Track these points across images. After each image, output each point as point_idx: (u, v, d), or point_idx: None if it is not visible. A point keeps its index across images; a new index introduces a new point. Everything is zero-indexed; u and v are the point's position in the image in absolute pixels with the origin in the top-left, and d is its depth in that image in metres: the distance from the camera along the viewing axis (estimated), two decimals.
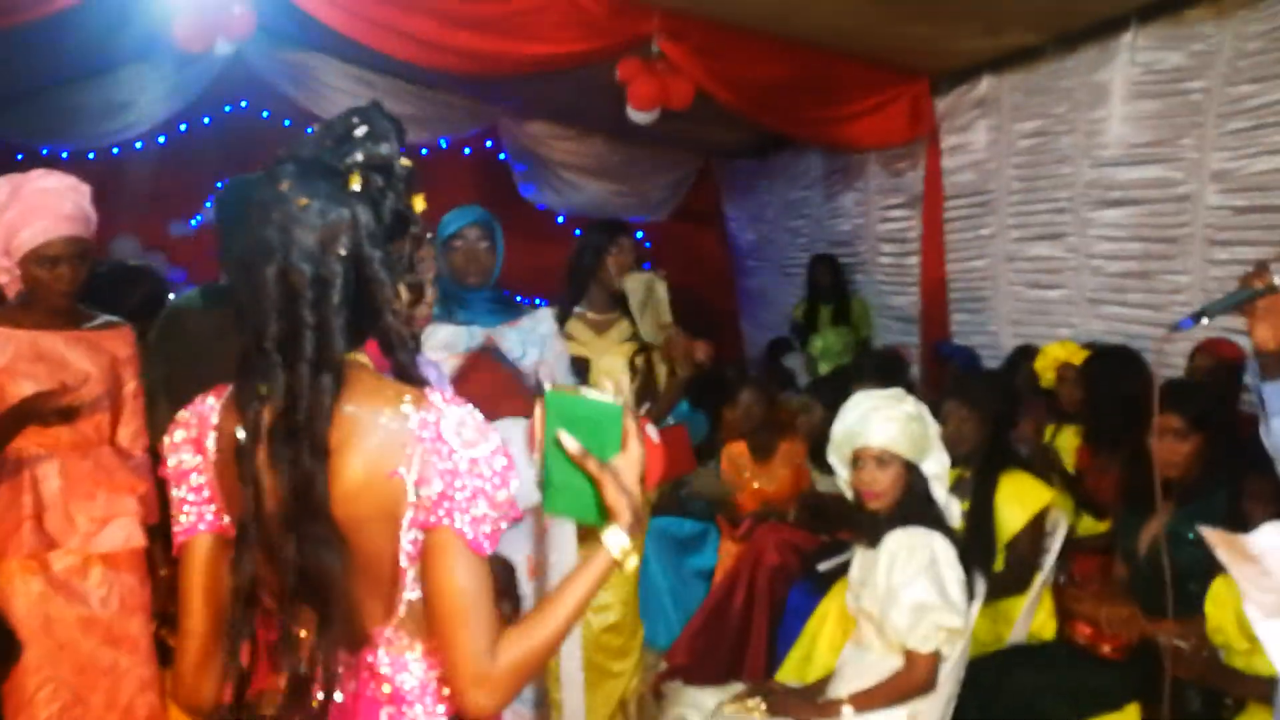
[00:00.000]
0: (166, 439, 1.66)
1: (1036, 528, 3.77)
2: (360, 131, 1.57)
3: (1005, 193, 5.65)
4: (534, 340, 3.40)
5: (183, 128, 7.50)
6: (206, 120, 7.57)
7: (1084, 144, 5.07)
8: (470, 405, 1.53)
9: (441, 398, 1.52)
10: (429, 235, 1.63)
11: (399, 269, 1.57)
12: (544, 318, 3.49)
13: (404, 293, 1.59)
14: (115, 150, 7.23)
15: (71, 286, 3.01)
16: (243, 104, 7.59)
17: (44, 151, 6.80)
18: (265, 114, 7.63)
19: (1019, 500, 3.74)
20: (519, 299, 3.75)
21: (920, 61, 5.70)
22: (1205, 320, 2.10)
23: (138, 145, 7.32)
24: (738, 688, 3.24)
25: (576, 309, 4.08)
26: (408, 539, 1.50)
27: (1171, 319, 4.51)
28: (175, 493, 1.63)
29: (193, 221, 7.68)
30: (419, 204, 1.60)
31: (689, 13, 5.32)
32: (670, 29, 5.29)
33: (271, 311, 1.49)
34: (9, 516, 2.98)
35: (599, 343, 4.04)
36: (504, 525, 1.51)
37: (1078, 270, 5.21)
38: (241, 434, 1.52)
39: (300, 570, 1.50)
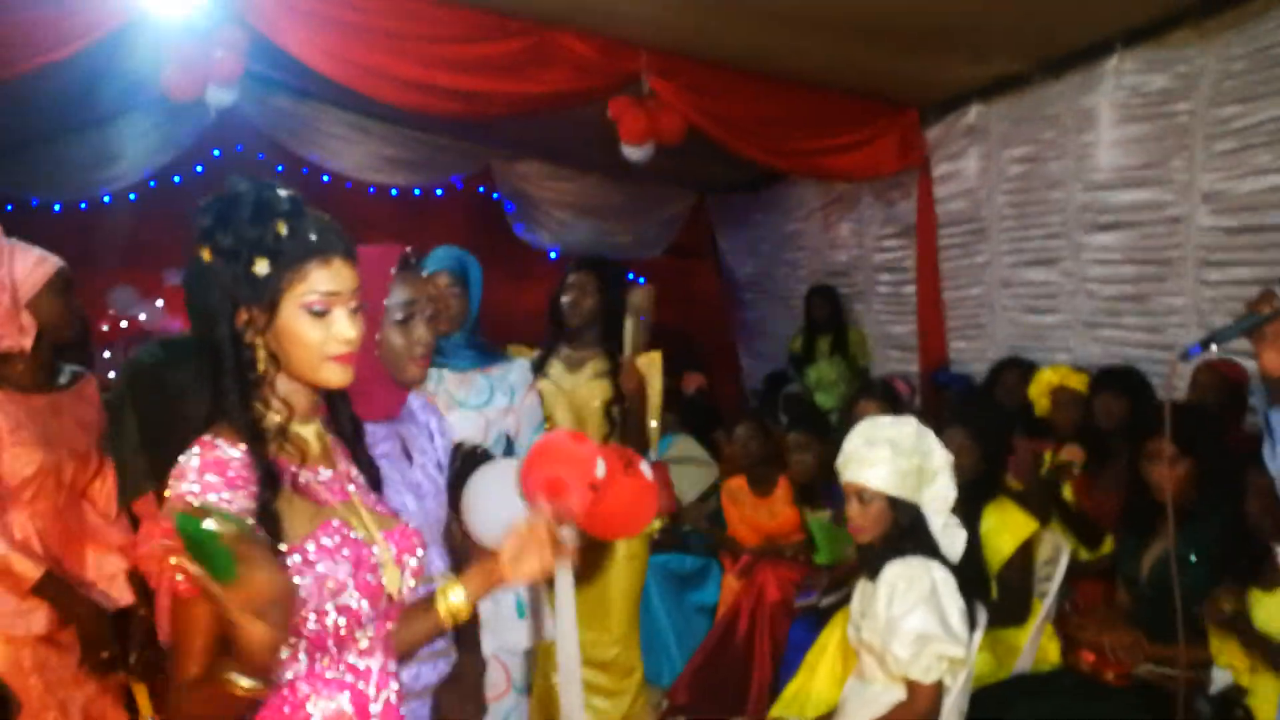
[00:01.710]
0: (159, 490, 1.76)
1: (1025, 557, 3.73)
2: (205, 203, 1.66)
3: (998, 219, 5.66)
4: (503, 388, 3.36)
5: (176, 177, 7.52)
6: (199, 168, 7.59)
7: (1074, 169, 5.08)
8: (220, 448, 1.62)
9: (198, 446, 1.62)
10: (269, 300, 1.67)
11: (245, 333, 1.66)
12: (518, 368, 3.46)
13: (261, 354, 1.67)
14: (107, 199, 7.25)
15: (77, 319, 3.02)
16: (236, 149, 7.62)
17: (34, 203, 6.81)
18: (260, 157, 7.66)
19: (1005, 530, 3.71)
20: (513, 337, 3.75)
21: (909, 92, 5.72)
22: (1214, 348, 2.11)
23: (130, 195, 7.34)
24: None
25: (562, 349, 4.12)
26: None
27: (1167, 340, 4.55)
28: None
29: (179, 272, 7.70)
30: (261, 268, 1.63)
31: (677, 51, 5.34)
32: (659, 67, 5.32)
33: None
34: (14, 587, 2.93)
35: (570, 378, 4.06)
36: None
37: (1073, 294, 5.21)
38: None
39: None
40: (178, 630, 1.54)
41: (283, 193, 1.67)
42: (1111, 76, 4.77)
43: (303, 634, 1.62)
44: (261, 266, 1.63)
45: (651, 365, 4.12)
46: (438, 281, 3.35)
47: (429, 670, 2.33)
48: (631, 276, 8.69)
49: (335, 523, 1.68)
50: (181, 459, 1.61)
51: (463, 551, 2.55)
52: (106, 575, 3.09)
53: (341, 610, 1.63)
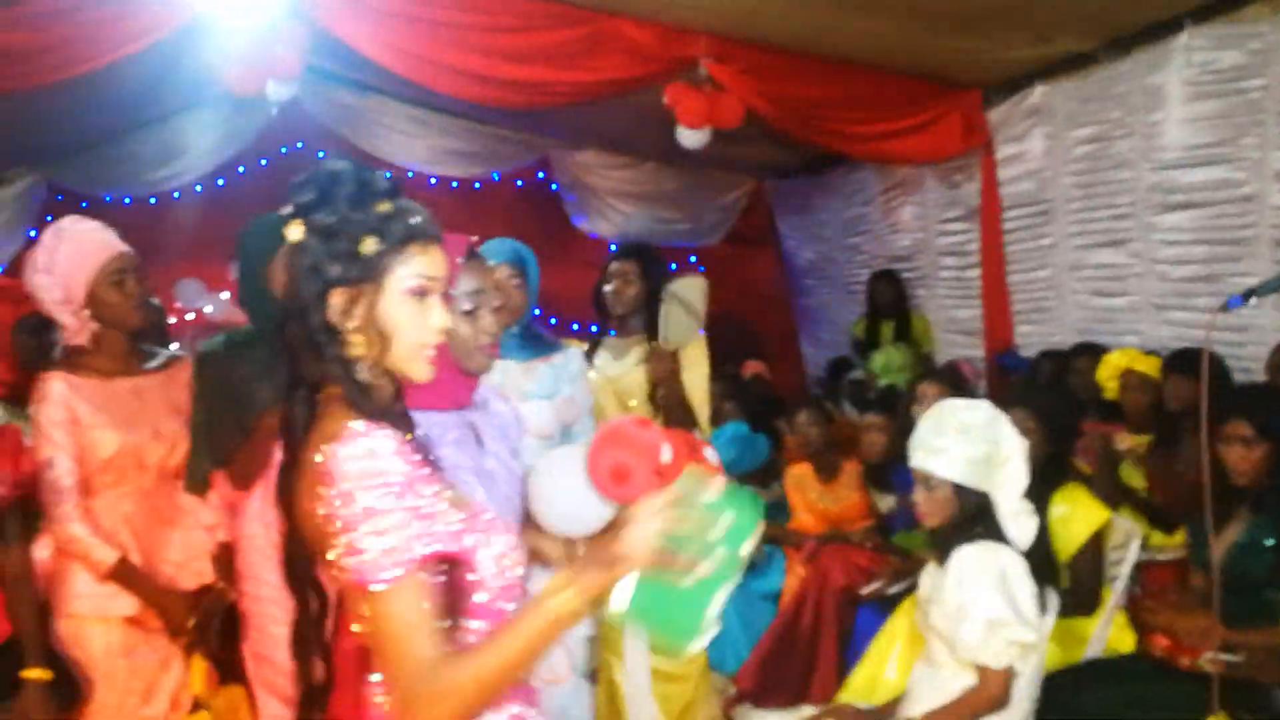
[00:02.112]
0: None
1: (1096, 547, 3.68)
2: (296, 182, 1.64)
3: (1064, 201, 5.57)
4: (565, 376, 3.40)
5: (240, 170, 7.62)
6: (263, 162, 7.68)
7: (1143, 148, 4.99)
8: (382, 436, 1.53)
9: (364, 426, 1.53)
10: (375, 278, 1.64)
11: (340, 314, 1.61)
12: (575, 356, 3.49)
13: (356, 339, 1.62)
14: (175, 195, 7.36)
15: (142, 303, 3.04)
16: (299, 145, 7.70)
17: (107, 199, 6.94)
18: (321, 155, 7.74)
19: (1077, 518, 3.65)
20: (574, 325, 3.77)
21: (970, 74, 5.65)
22: (1254, 300, 2.06)
23: (197, 189, 7.45)
24: (807, 711, 3.21)
25: (609, 336, 4.18)
26: (331, 580, 1.59)
27: (1241, 322, 4.46)
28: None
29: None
30: (369, 247, 1.60)
31: (735, 35, 5.31)
32: (717, 52, 5.29)
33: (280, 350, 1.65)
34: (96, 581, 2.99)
35: (616, 366, 4.10)
36: (405, 555, 1.47)
37: (1143, 276, 5.12)
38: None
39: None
40: (396, 621, 1.48)
41: (381, 174, 1.66)
42: (1181, 53, 4.68)
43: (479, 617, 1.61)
44: (370, 245, 1.60)
45: (695, 353, 4.11)
46: (498, 274, 3.36)
47: None
48: (694, 261, 8.72)
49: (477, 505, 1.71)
50: (356, 450, 1.51)
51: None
52: (192, 555, 3.14)
53: (507, 588, 1.65)
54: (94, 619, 3.01)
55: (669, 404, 3.99)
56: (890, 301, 7.04)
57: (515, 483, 2.33)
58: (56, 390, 2.94)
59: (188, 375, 3.18)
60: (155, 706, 3.08)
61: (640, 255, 4.17)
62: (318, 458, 1.52)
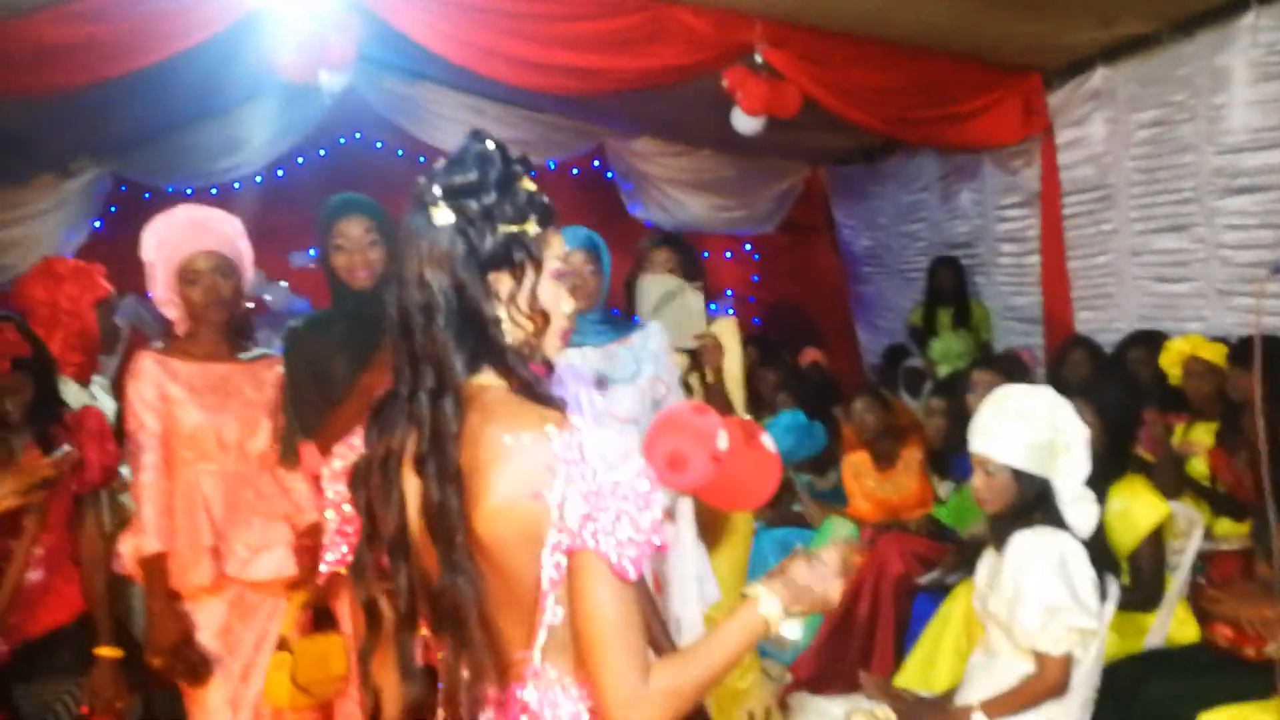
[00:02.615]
0: (325, 469, 1.73)
1: (1157, 542, 3.63)
2: (441, 164, 1.60)
3: (1126, 185, 5.49)
4: (646, 356, 3.37)
5: (299, 160, 7.71)
6: (321, 152, 7.77)
7: (1207, 131, 4.91)
8: (613, 428, 1.55)
9: (585, 419, 1.52)
10: (546, 259, 1.62)
11: (504, 296, 1.58)
12: (654, 333, 3.45)
13: (521, 320, 1.59)
14: (236, 185, 7.46)
15: (220, 299, 3.13)
16: (356, 135, 7.77)
17: (169, 190, 7.05)
18: (379, 145, 7.81)
19: (1136, 514, 3.60)
20: (633, 318, 3.76)
21: (1030, 57, 5.58)
22: None
23: (256, 179, 7.56)
24: (863, 698, 3.19)
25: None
26: (550, 562, 1.48)
27: None
28: (328, 519, 1.72)
29: (311, 251, 7.88)
30: (530, 228, 1.58)
31: (790, 20, 5.28)
32: (773, 37, 5.26)
33: (398, 339, 1.57)
34: (190, 545, 3.09)
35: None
36: (649, 549, 1.47)
37: (1206, 261, 5.03)
38: (365, 471, 1.60)
39: (438, 597, 1.53)
40: (627, 611, 1.46)
41: (515, 152, 1.62)
42: (1247, 34, 4.59)
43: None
44: (533, 226, 1.58)
45: (727, 337, 4.10)
46: (573, 260, 3.37)
47: None
48: (749, 249, 8.70)
49: None
50: (576, 438, 1.49)
51: None
52: (271, 542, 3.19)
53: None
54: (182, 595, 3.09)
55: (708, 389, 3.97)
56: (951, 288, 6.97)
57: None
58: (147, 368, 3.10)
59: (270, 371, 3.26)
60: (251, 686, 3.15)
61: (675, 244, 4.16)
62: (526, 441, 1.48)
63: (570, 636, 1.51)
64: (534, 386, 1.57)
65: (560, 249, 1.64)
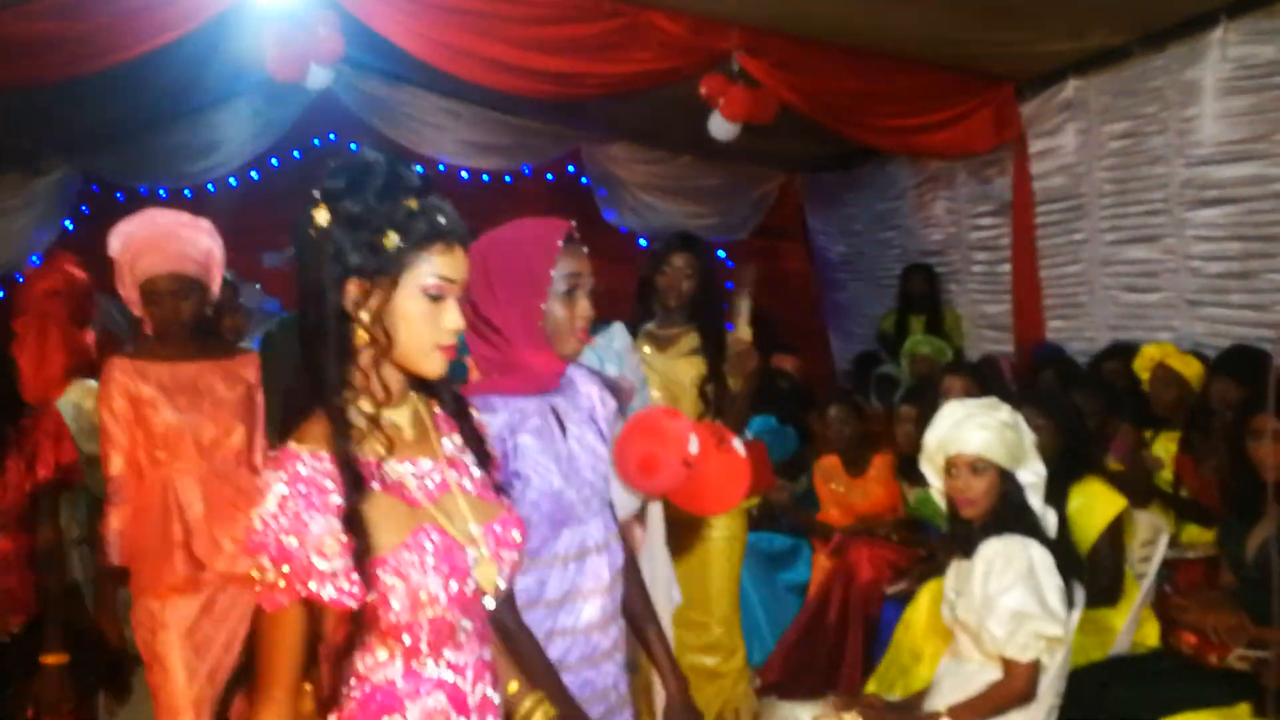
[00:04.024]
0: None
1: (1114, 535, 3.68)
2: (330, 167, 1.64)
3: (1097, 196, 5.54)
4: (610, 356, 3.38)
5: (274, 162, 7.67)
6: (297, 154, 7.73)
7: (1177, 143, 4.95)
8: (281, 478, 1.57)
9: (294, 445, 1.60)
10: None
11: (353, 306, 1.61)
12: (617, 333, 3.46)
13: (360, 332, 1.62)
14: (210, 186, 7.42)
15: (176, 320, 3.12)
16: (331, 136, 7.74)
17: (143, 190, 7.00)
18: (354, 146, 7.77)
19: (1093, 510, 3.66)
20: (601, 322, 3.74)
21: (1003, 67, 5.62)
22: None
23: (231, 181, 7.51)
24: (832, 702, 3.20)
25: (645, 325, 4.09)
26: None
27: (1275, 318, 4.41)
28: None
29: (285, 253, 7.85)
30: (390, 241, 1.60)
31: (767, 28, 5.30)
32: (749, 45, 5.28)
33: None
34: (162, 546, 3.09)
35: (661, 357, 4.02)
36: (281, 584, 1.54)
37: (1176, 272, 5.08)
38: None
39: None
40: (266, 646, 1.57)
41: (414, 170, 1.65)
42: (1216, 48, 4.64)
43: (399, 640, 1.61)
44: (392, 240, 1.60)
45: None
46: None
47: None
48: (722, 256, 8.71)
49: (428, 527, 1.63)
50: (268, 478, 1.60)
51: None
52: None
53: (435, 620, 1.61)
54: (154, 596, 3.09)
55: (726, 397, 3.97)
56: (923, 295, 7.01)
57: (601, 465, 2.32)
58: (115, 376, 3.12)
59: (242, 370, 3.26)
60: (219, 687, 3.13)
61: (695, 247, 4.12)
62: None
63: None
64: (326, 396, 1.62)
65: (445, 268, 1.64)
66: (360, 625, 1.60)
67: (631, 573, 2.41)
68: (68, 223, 7.17)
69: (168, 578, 3.09)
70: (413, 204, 1.61)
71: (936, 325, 6.89)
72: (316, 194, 1.61)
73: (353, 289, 1.61)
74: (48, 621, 3.07)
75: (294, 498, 1.54)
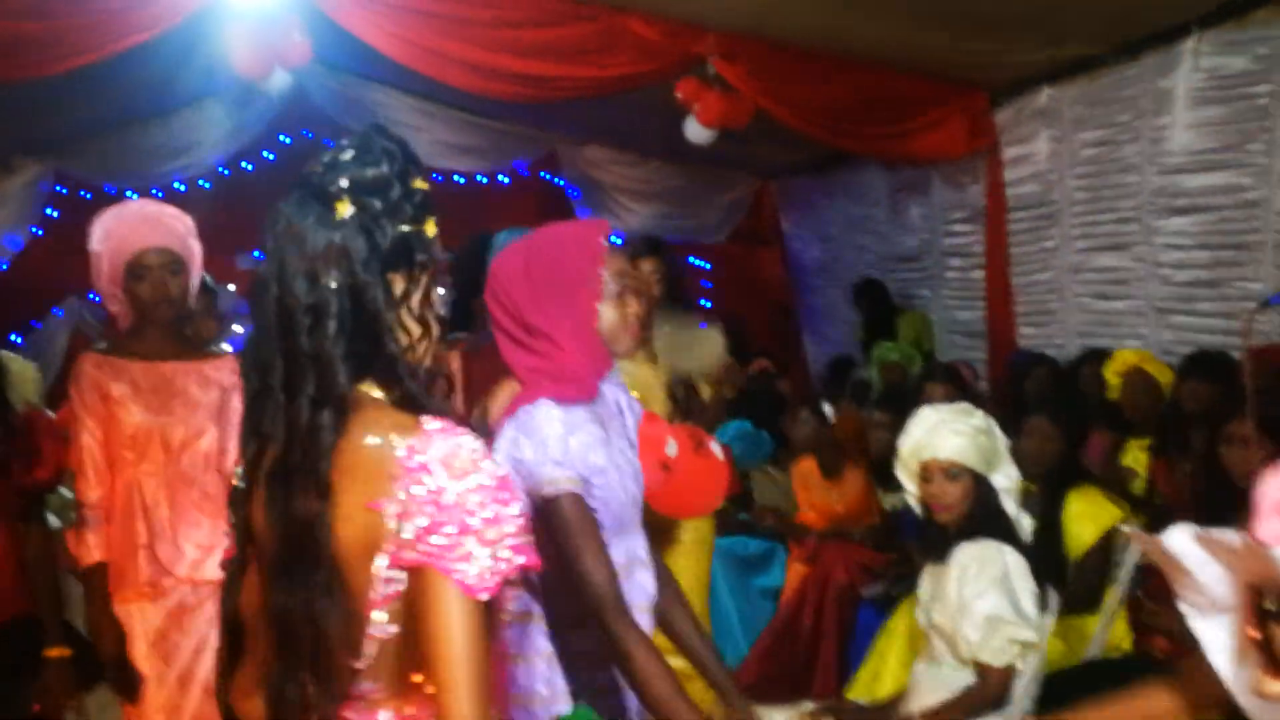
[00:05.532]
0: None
1: (1105, 545, 3.70)
2: (347, 155, 1.48)
3: (1069, 204, 5.58)
4: None
5: (245, 163, 7.63)
6: (270, 155, 7.70)
7: (1149, 152, 5.00)
8: (468, 434, 1.40)
9: (440, 425, 1.40)
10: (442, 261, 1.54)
11: (401, 299, 1.48)
12: None
13: (410, 324, 1.49)
14: (182, 187, 7.37)
15: (168, 298, 3.07)
16: (305, 135, 7.71)
17: (109, 190, 6.95)
18: (328, 144, 7.74)
19: (1089, 517, 3.68)
20: None
21: (978, 75, 5.66)
22: None
23: (202, 181, 7.46)
24: (807, 706, 3.20)
25: None
26: (381, 579, 1.39)
27: (1256, 326, 4.44)
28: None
29: (256, 253, 7.81)
30: (430, 229, 1.50)
31: (743, 33, 5.32)
32: (724, 49, 5.30)
33: (273, 342, 1.43)
34: (124, 545, 3.04)
35: (629, 360, 4.00)
36: (505, 565, 1.36)
37: (1145, 280, 5.13)
38: (238, 477, 1.50)
39: (288, 619, 1.41)
40: (472, 636, 1.36)
41: (410, 150, 1.51)
42: (1189, 58, 4.69)
43: None
44: (433, 226, 1.49)
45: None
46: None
47: None
48: (694, 260, 8.73)
49: None
50: (448, 447, 1.38)
51: None
52: (221, 541, 3.14)
53: None
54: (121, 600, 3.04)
55: (707, 401, 3.96)
56: (872, 312, 7.13)
57: (637, 475, 2.28)
58: (87, 371, 3.04)
59: (216, 372, 3.22)
60: (190, 694, 3.10)
61: (663, 252, 4.11)
62: (370, 449, 1.39)
63: (398, 655, 1.42)
64: (416, 397, 1.45)
65: (440, 247, 1.54)
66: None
67: (674, 589, 2.36)
68: (36, 227, 7.10)
69: (131, 581, 3.05)
70: (425, 186, 1.52)
71: (892, 335, 6.92)
72: (340, 185, 1.45)
73: (397, 284, 1.47)
74: (46, 616, 3.05)
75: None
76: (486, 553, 1.35)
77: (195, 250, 3.19)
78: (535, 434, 2.04)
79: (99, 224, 3.06)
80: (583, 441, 2.04)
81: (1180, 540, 1.62)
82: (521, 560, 1.38)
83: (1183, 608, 1.66)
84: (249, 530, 1.49)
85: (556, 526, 1.99)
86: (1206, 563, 1.59)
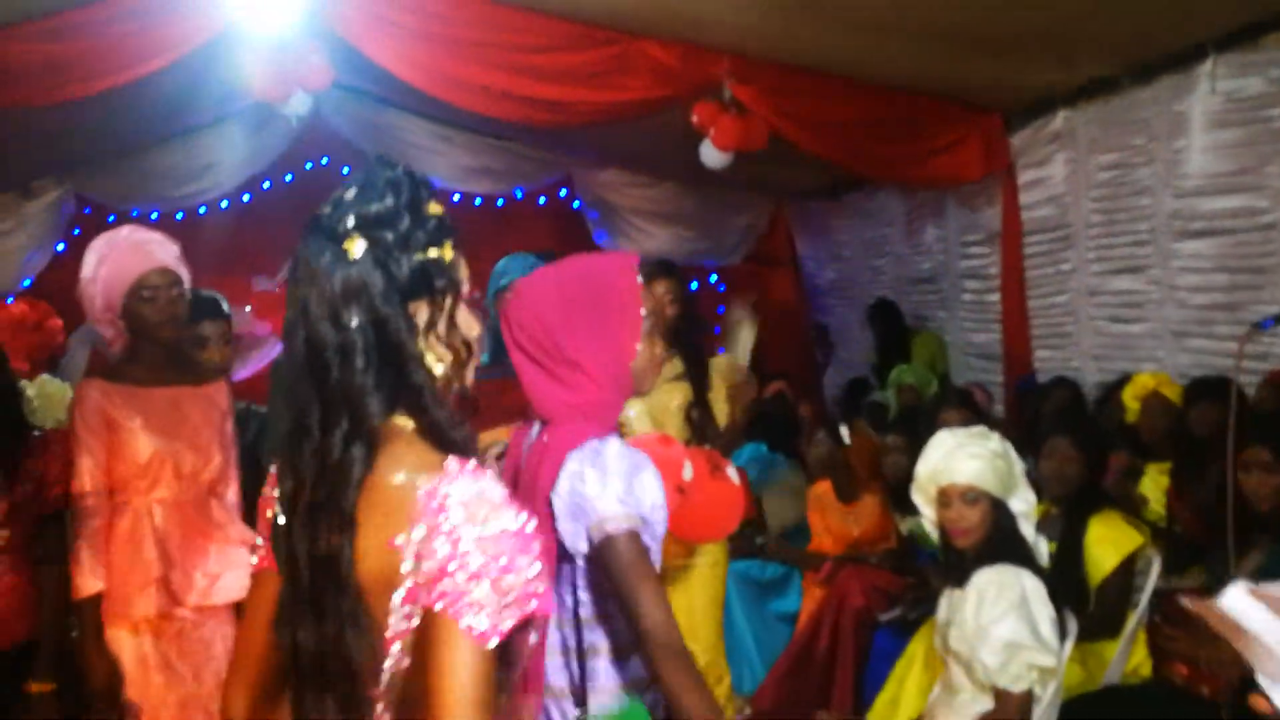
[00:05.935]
0: (266, 490, 1.61)
1: (1127, 570, 3.68)
2: (350, 194, 1.48)
3: (1085, 226, 5.58)
4: None
5: (266, 185, 7.69)
6: (288, 178, 7.75)
7: (1164, 175, 5.00)
8: (491, 478, 1.39)
9: (463, 467, 1.40)
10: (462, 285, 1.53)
11: (428, 328, 1.48)
12: None
13: (441, 351, 1.49)
14: (201, 210, 7.42)
15: (174, 317, 3.08)
16: (323, 161, 7.76)
17: (134, 213, 7.00)
18: (346, 171, 7.79)
19: (1110, 542, 3.65)
20: None
21: (993, 97, 5.67)
22: None
23: (223, 204, 7.51)
24: None
25: None
26: (399, 614, 1.39)
27: (1261, 350, 4.45)
28: (260, 540, 1.60)
29: (276, 277, 7.84)
30: (448, 253, 1.49)
31: (758, 56, 5.34)
32: (740, 73, 5.32)
33: (305, 380, 1.44)
34: (135, 574, 3.01)
35: None
36: (518, 613, 1.36)
37: (1161, 303, 5.11)
38: (277, 513, 1.49)
39: (317, 651, 1.43)
40: (479, 684, 1.34)
41: (420, 175, 1.52)
42: (1205, 81, 4.68)
43: None
44: (450, 250, 1.48)
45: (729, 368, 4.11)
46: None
47: None
48: (714, 280, 8.74)
49: None
50: (466, 489, 1.38)
51: None
52: (229, 567, 3.13)
53: None
54: (121, 627, 3.03)
55: (709, 423, 3.96)
56: (885, 335, 7.12)
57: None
58: (92, 396, 3.02)
59: (221, 395, 3.23)
60: (190, 716, 3.09)
61: (677, 274, 4.11)
62: (395, 487, 1.40)
63: (406, 684, 1.41)
64: (443, 428, 1.45)
65: (465, 269, 1.53)
66: None
67: None
68: (60, 245, 7.15)
69: (141, 609, 3.03)
70: (439, 210, 1.51)
71: (906, 357, 6.91)
72: (347, 224, 1.45)
73: (421, 312, 1.47)
74: (44, 646, 3.05)
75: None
76: (498, 600, 1.34)
77: (185, 274, 3.19)
78: (604, 469, 2.01)
79: (93, 251, 3.05)
80: (645, 482, 2.03)
81: (1239, 601, 1.50)
82: (529, 606, 1.37)
83: (1262, 681, 1.52)
84: (295, 567, 1.47)
85: (613, 563, 1.97)
86: (1273, 623, 1.46)
